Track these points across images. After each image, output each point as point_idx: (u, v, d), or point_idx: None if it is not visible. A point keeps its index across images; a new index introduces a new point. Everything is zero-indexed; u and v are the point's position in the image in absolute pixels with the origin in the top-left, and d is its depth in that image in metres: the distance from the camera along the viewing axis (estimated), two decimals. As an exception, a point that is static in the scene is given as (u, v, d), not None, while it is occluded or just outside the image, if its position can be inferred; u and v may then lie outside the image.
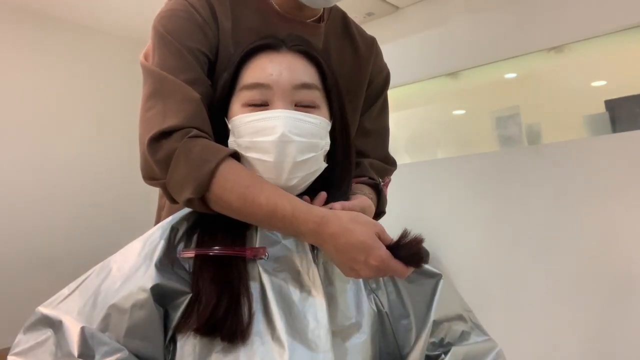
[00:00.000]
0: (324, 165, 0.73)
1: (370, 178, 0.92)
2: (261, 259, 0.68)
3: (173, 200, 0.71)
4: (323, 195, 0.72)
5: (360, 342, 0.66)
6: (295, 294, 0.66)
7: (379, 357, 0.70)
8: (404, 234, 0.64)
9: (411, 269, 0.64)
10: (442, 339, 0.72)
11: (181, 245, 0.70)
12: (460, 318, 0.74)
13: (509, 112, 2.34)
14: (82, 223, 3.02)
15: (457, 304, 0.76)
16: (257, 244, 0.70)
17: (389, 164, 1.05)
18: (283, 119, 0.67)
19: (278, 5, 0.87)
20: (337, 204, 0.70)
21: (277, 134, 0.66)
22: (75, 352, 0.57)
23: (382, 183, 0.93)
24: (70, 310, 0.63)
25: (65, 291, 0.67)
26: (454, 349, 0.70)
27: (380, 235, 0.64)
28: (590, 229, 1.89)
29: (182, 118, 0.69)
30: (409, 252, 0.63)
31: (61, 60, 3.06)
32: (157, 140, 0.68)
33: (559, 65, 2.22)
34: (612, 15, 1.93)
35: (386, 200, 0.94)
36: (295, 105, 0.70)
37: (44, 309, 0.64)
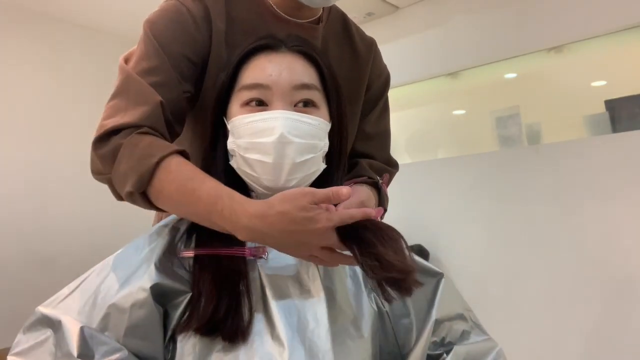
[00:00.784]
0: (323, 166, 0.72)
1: (369, 177, 0.92)
2: (261, 258, 0.68)
3: (119, 196, 0.71)
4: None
5: (360, 342, 0.66)
6: (294, 293, 0.66)
7: (379, 356, 0.70)
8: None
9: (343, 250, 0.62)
10: (443, 338, 0.72)
11: (181, 245, 0.70)
12: (461, 317, 0.74)
13: (509, 112, 2.34)
14: (82, 223, 3.02)
15: (458, 303, 0.76)
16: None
17: (391, 166, 1.05)
18: (282, 119, 0.66)
19: (276, 6, 0.87)
20: (340, 205, 0.69)
21: (276, 135, 0.65)
22: (75, 352, 0.57)
23: (381, 181, 0.93)
24: (70, 310, 0.63)
25: (65, 291, 0.67)
26: (455, 348, 0.70)
27: (315, 200, 0.60)
28: (590, 229, 1.89)
29: (136, 117, 0.70)
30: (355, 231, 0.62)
31: (62, 60, 3.07)
32: (107, 136, 0.69)
33: (559, 65, 2.22)
34: (612, 15, 1.93)
35: (387, 197, 0.94)
36: (295, 106, 0.69)
37: (43, 309, 0.64)
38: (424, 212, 2.34)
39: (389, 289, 0.63)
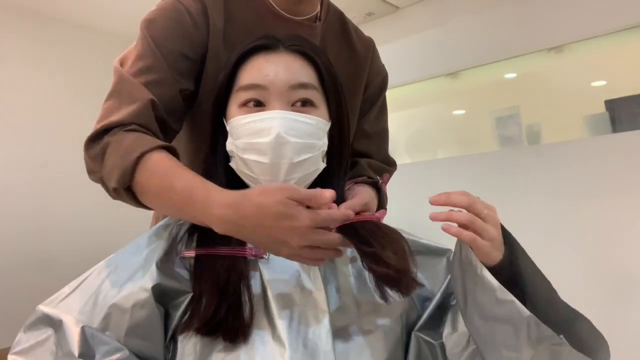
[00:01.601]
0: (323, 165, 0.72)
1: (368, 177, 0.92)
2: (262, 258, 0.68)
3: (111, 194, 0.71)
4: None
5: (367, 339, 0.65)
6: (296, 293, 0.66)
7: (401, 344, 0.68)
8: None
9: (341, 237, 0.61)
10: None
11: (182, 245, 0.70)
12: None
13: (509, 112, 2.34)
14: (82, 223, 3.02)
15: None
16: None
17: (389, 165, 1.05)
18: (279, 119, 0.66)
19: (275, 4, 0.87)
20: (343, 205, 0.69)
21: (273, 135, 0.65)
22: (76, 352, 0.57)
23: (380, 181, 0.93)
24: (71, 309, 0.63)
25: (65, 290, 0.67)
26: None
27: (294, 197, 0.58)
28: (590, 229, 1.89)
29: (125, 116, 0.71)
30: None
31: (63, 60, 3.06)
32: (98, 136, 0.71)
33: (559, 65, 2.22)
34: (612, 15, 1.93)
35: (387, 197, 0.94)
36: (293, 106, 0.69)
37: (44, 308, 0.64)
38: (423, 212, 2.33)
39: (387, 288, 0.64)
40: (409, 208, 2.55)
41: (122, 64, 0.80)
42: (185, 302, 0.64)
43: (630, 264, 1.79)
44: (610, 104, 2.04)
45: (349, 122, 0.76)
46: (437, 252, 0.77)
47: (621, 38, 1.99)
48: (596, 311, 2.00)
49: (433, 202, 0.63)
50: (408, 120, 2.75)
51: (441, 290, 0.73)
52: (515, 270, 0.63)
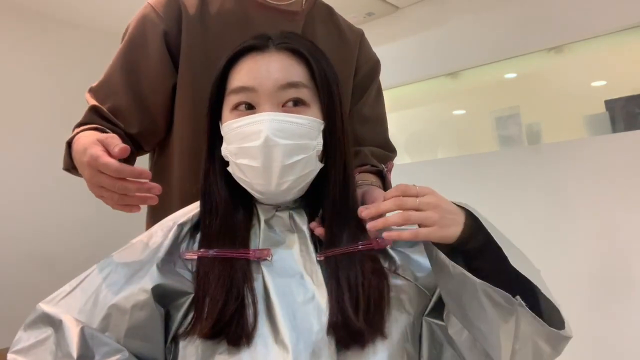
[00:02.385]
0: (320, 165, 0.70)
1: (372, 165, 0.92)
2: (265, 260, 0.67)
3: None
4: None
5: (369, 344, 0.63)
6: (298, 296, 0.65)
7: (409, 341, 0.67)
8: None
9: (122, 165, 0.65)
10: None
11: (184, 244, 0.70)
12: None
13: (509, 112, 2.33)
14: (82, 222, 3.02)
15: None
16: (260, 243, 0.69)
17: (389, 151, 1.05)
18: (267, 122, 0.64)
19: None
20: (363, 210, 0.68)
21: (262, 139, 0.63)
22: (75, 354, 0.57)
23: (385, 169, 0.92)
24: (71, 308, 0.63)
25: (66, 288, 0.67)
26: None
27: (99, 138, 0.68)
28: (590, 229, 1.89)
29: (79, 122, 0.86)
30: None
31: (65, 61, 3.06)
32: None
33: (559, 65, 2.22)
34: (612, 15, 1.93)
35: (391, 185, 0.93)
36: (284, 106, 0.67)
37: (45, 306, 0.64)
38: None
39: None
40: (409, 208, 2.55)
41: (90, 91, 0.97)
42: (187, 303, 0.64)
43: (630, 263, 1.79)
44: (610, 104, 2.04)
45: (345, 118, 0.73)
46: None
47: (621, 38, 1.99)
48: (595, 311, 2.01)
49: (366, 217, 0.65)
50: (408, 120, 2.74)
51: None
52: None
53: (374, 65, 1.06)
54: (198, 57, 0.87)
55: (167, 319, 0.64)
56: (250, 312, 0.62)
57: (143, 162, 1.04)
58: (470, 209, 0.64)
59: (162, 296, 0.63)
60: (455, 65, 2.43)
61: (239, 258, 0.66)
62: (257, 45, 0.70)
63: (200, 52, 0.87)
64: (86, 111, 0.88)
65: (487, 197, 2.18)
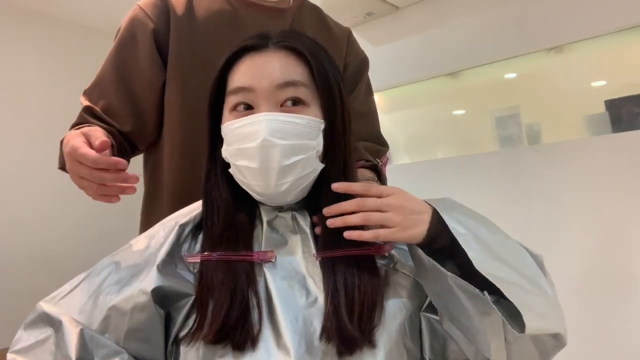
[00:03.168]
0: (320, 165, 0.69)
1: (367, 160, 0.93)
2: (269, 262, 0.66)
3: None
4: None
5: (371, 349, 0.62)
6: (301, 299, 0.64)
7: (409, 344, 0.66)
8: None
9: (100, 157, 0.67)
10: None
11: (186, 245, 0.69)
12: None
13: (509, 112, 2.33)
14: (82, 223, 3.02)
15: None
16: (263, 245, 0.68)
17: (381, 145, 1.07)
18: (265, 122, 0.63)
19: None
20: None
21: (259, 139, 0.63)
22: (73, 356, 0.57)
23: (380, 163, 0.94)
24: (72, 308, 0.63)
25: (67, 287, 0.67)
26: None
27: (83, 130, 0.74)
28: (590, 229, 1.89)
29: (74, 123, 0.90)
30: None
31: (64, 60, 3.07)
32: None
33: (559, 65, 2.22)
34: (612, 15, 1.93)
35: (386, 179, 0.96)
36: (282, 106, 0.66)
37: (45, 305, 0.64)
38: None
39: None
40: (409, 208, 2.55)
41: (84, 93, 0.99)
42: (188, 305, 0.63)
43: (630, 263, 1.79)
44: (610, 104, 2.04)
45: (346, 117, 0.72)
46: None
47: (621, 38, 1.99)
48: (596, 311, 2.00)
49: (327, 214, 0.65)
50: (408, 120, 2.74)
51: None
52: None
53: (363, 61, 1.08)
54: (187, 56, 0.90)
55: (168, 321, 0.64)
56: (255, 315, 0.61)
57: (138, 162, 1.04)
58: (437, 207, 0.63)
59: (163, 298, 0.62)
60: (455, 65, 2.43)
61: (243, 260, 0.65)
62: (256, 45, 0.69)
63: (189, 51, 0.90)
64: (80, 112, 0.91)
65: (487, 197, 2.18)
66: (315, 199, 0.72)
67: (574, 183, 1.95)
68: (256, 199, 0.71)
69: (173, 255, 0.67)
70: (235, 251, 0.65)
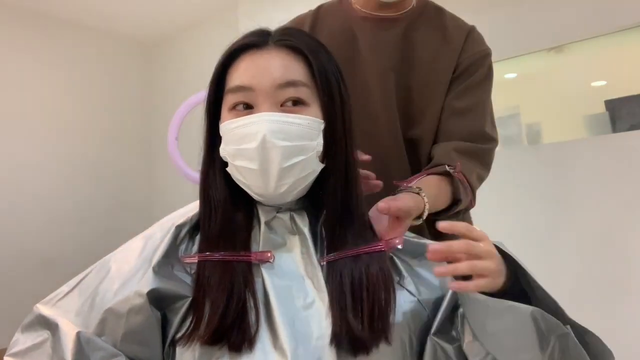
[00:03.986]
0: (320, 166, 0.68)
1: (437, 165, 0.88)
2: (267, 262, 0.65)
3: None
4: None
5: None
6: (299, 300, 0.63)
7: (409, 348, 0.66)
8: None
9: None
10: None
11: (183, 246, 0.68)
12: None
13: (509, 112, 2.33)
14: (82, 223, 3.02)
15: None
16: (261, 245, 0.67)
17: (485, 142, 1.02)
18: (264, 123, 0.62)
19: (361, 6, 0.97)
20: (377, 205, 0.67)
21: (259, 140, 0.62)
22: (70, 359, 0.57)
23: (452, 170, 0.86)
24: (68, 310, 0.63)
25: (64, 288, 0.66)
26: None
27: None
28: (590, 229, 1.88)
29: None
30: None
31: (68, 63, 3.06)
32: None
33: (559, 65, 2.22)
34: (612, 15, 1.93)
35: (466, 186, 0.89)
36: (282, 106, 0.65)
37: (42, 308, 0.64)
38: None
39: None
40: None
41: None
42: (185, 307, 0.63)
43: (630, 263, 1.78)
44: (610, 104, 2.04)
45: (347, 117, 0.70)
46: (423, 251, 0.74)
47: (621, 38, 1.99)
48: (596, 311, 2.00)
49: (432, 258, 0.58)
50: (408, 120, 2.74)
51: (450, 292, 0.69)
52: (521, 286, 0.61)
53: (476, 59, 1.06)
54: None
55: (164, 323, 0.63)
56: (252, 316, 0.60)
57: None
58: (509, 254, 0.61)
59: (159, 300, 0.62)
60: (455, 65, 2.43)
61: (240, 261, 0.64)
62: (255, 42, 0.67)
63: None
64: None
65: (487, 197, 2.17)
66: (315, 199, 0.71)
67: (573, 183, 1.94)
68: (255, 198, 0.70)
69: (169, 257, 0.66)
70: (232, 252, 0.65)
